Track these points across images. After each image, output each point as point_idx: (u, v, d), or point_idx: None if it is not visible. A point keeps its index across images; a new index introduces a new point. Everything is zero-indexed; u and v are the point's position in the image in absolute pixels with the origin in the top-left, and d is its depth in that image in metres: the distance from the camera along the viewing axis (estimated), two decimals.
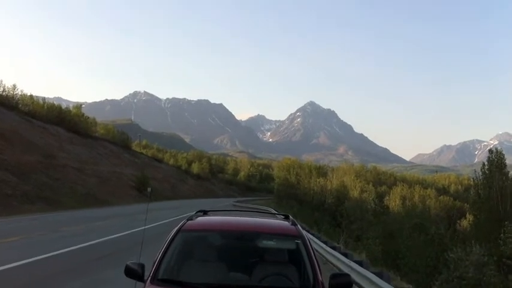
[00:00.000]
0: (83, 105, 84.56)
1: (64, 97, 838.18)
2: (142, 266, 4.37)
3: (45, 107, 61.50)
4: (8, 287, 8.77)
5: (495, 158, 42.34)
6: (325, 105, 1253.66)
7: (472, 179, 49.93)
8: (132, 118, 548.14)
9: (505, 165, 43.02)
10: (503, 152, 44.43)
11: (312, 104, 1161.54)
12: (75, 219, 24.04)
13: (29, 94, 60.42)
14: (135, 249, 6.65)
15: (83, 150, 58.05)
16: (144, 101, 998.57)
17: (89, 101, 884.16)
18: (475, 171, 45.22)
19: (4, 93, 52.80)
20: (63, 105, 75.41)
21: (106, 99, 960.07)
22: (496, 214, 38.65)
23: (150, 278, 4.23)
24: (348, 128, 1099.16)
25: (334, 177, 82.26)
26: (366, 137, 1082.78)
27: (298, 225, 5.11)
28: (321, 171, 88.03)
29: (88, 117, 74.79)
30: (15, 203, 29.12)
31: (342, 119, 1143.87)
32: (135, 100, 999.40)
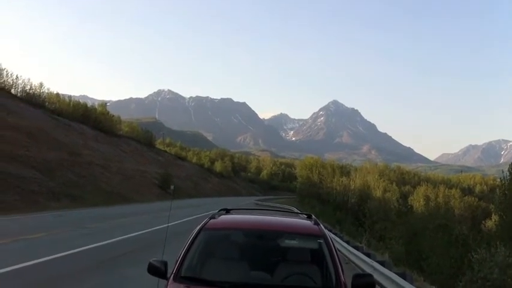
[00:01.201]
0: (108, 104, 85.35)
1: (90, 95, 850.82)
2: (165, 264, 4.40)
3: (71, 105, 62.35)
4: (31, 282, 8.90)
5: None
6: (348, 104, 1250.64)
7: (498, 179, 49.12)
8: (156, 116, 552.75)
9: None
10: None
11: (335, 103, 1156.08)
12: (99, 216, 24.33)
13: (55, 92, 61.40)
14: (158, 247, 6.70)
15: (107, 148, 58.72)
16: (168, 100, 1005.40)
17: (114, 99, 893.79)
18: (502, 171, 44.52)
19: (31, 91, 53.67)
20: (89, 103, 76.39)
21: (131, 97, 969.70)
22: None
23: (172, 275, 4.26)
24: (371, 127, 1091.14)
25: (357, 176, 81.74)
26: (390, 136, 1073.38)
27: (321, 225, 5.10)
28: (344, 171, 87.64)
29: (113, 115, 75.62)
30: (41, 200, 29.60)
31: (365, 118, 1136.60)
32: (159, 98, 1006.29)
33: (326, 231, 4.99)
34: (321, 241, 4.76)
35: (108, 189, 42.63)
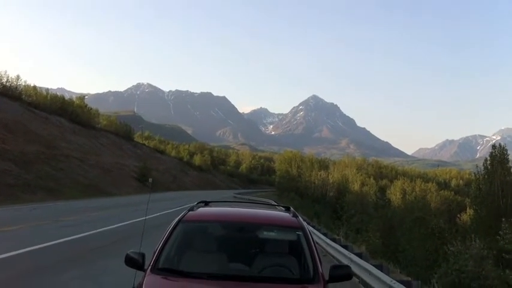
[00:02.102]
0: (86, 97, 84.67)
1: (67, 88, 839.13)
2: (142, 256, 4.39)
3: (49, 98, 61.59)
4: (7, 275, 8.81)
5: (498, 153, 42.35)
6: (328, 99, 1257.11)
7: (473, 174, 49.96)
8: (135, 110, 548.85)
9: (508, 161, 43.04)
10: (506, 148, 44.40)
11: (314, 97, 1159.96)
12: (76, 209, 24.12)
13: (32, 85, 60.53)
14: (136, 239, 6.67)
15: (85, 141, 58.15)
16: (147, 93, 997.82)
17: (92, 92, 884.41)
18: (477, 166, 45.27)
19: (8, 84, 52.80)
20: (67, 96, 75.55)
21: (109, 90, 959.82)
22: (496, 209, 38.70)
23: (150, 267, 4.26)
24: (350, 121, 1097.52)
25: (336, 170, 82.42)
26: (368, 131, 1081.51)
27: (299, 217, 5.13)
28: (323, 165, 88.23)
29: (91, 109, 74.92)
30: (18, 193, 29.24)
31: (344, 112, 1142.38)
32: (138, 92, 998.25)
33: (304, 223, 5.02)
34: (299, 233, 4.79)
35: (86, 182, 42.26)
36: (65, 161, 43.62)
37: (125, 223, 18.50)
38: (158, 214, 22.93)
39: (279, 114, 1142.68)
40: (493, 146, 44.00)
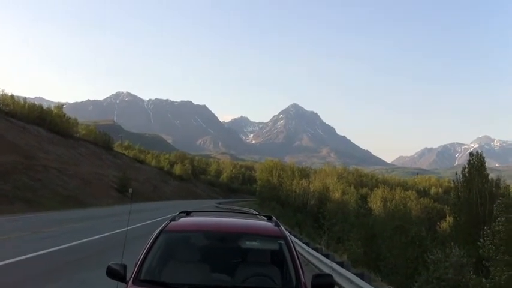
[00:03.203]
0: (65, 106, 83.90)
1: (45, 97, 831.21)
2: (124, 267, 4.34)
3: (26, 107, 60.93)
4: None
5: (475, 161, 42.81)
6: (308, 107, 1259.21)
7: (452, 182, 50.46)
8: (115, 119, 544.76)
9: (485, 168, 43.52)
10: (483, 155, 44.93)
11: (295, 106, 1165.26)
12: (55, 221, 23.79)
13: (9, 94, 59.84)
14: (116, 251, 6.61)
15: (64, 151, 57.54)
16: (126, 102, 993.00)
17: (71, 101, 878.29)
18: (456, 174, 45.69)
19: None
20: (45, 106, 74.67)
21: (88, 99, 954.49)
22: (475, 216, 39.07)
23: (132, 278, 4.20)
24: (330, 130, 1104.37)
25: (316, 179, 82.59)
26: (349, 140, 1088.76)
27: (281, 226, 5.12)
28: (303, 173, 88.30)
29: (69, 118, 74.18)
30: None
31: (324, 121, 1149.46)
32: (118, 101, 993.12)
33: (286, 233, 5.02)
34: (282, 242, 4.78)
35: (65, 193, 41.75)
36: (43, 172, 43.06)
37: (105, 234, 18.30)
38: (139, 225, 22.76)
39: (259, 123, 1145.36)
40: (471, 154, 44.49)
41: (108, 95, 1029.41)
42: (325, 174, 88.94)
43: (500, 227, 26.17)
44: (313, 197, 75.77)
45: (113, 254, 10.58)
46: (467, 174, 42.67)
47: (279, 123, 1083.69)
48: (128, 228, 13.76)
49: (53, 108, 71.79)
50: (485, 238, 26.95)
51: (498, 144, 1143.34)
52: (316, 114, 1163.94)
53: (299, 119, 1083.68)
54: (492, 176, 45.13)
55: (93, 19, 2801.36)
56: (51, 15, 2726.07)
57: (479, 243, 27.76)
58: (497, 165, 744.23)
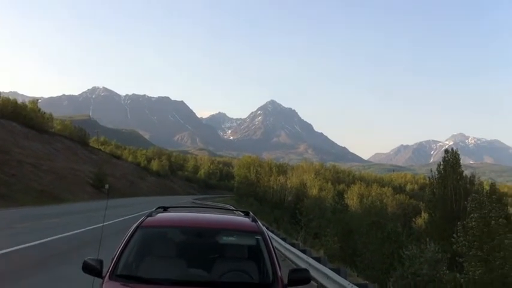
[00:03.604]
0: (40, 100, 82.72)
1: (20, 91, 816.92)
2: (100, 262, 4.32)
3: (0, 102, 60.03)
4: None
5: (450, 158, 43.46)
6: (286, 104, 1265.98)
7: (427, 178, 51.13)
8: (90, 114, 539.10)
9: (460, 165, 44.20)
10: (458, 152, 45.60)
11: (273, 102, 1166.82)
12: (30, 216, 23.51)
13: None
14: (93, 246, 6.56)
15: (39, 146, 56.81)
16: (102, 97, 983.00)
17: (46, 96, 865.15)
18: (431, 171, 46.31)
19: None
20: (19, 100, 73.66)
21: (63, 94, 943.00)
22: (450, 212, 39.70)
23: (108, 274, 4.19)
24: (308, 127, 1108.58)
25: (294, 175, 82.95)
26: (326, 136, 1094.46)
27: (259, 222, 5.14)
28: (281, 170, 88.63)
29: (44, 113, 73.27)
30: None
31: (302, 118, 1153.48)
32: (94, 96, 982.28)
33: (264, 228, 5.04)
34: (259, 237, 4.80)
35: (40, 188, 41.22)
36: (17, 167, 42.46)
37: (81, 230, 18.12)
38: (116, 220, 22.58)
39: (237, 119, 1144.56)
40: (446, 151, 45.16)
41: (84, 89, 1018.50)
42: (302, 171, 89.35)
43: (474, 223, 26.61)
44: (290, 193, 76.11)
45: (89, 249, 10.49)
46: (442, 171, 43.33)
47: (256, 119, 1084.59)
48: (104, 223, 13.65)
49: (27, 103, 70.86)
50: (459, 234, 27.37)
51: (473, 141, 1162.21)
52: (294, 110, 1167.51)
53: (277, 116, 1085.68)
54: (466, 172, 45.93)
55: (69, 12, 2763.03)
56: (24, 7, 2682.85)
57: (452, 239, 28.19)
58: (471, 162, 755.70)
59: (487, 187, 46.04)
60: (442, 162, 44.06)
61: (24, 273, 9.81)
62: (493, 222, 25.96)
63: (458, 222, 29.59)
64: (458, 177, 42.64)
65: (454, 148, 47.72)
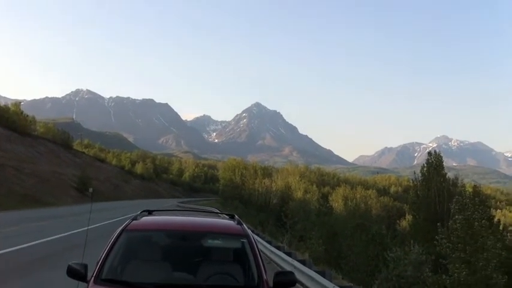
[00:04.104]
0: (22, 103, 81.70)
1: (2, 94, 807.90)
2: (85, 266, 4.30)
3: None
4: None
5: (433, 160, 43.77)
6: (270, 106, 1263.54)
7: (411, 180, 51.46)
8: (74, 117, 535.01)
9: (443, 167, 44.54)
10: (441, 155, 45.96)
11: (257, 105, 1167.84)
12: (12, 220, 23.23)
13: None
14: (77, 250, 6.52)
15: (21, 149, 56.26)
16: (86, 100, 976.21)
17: (29, 98, 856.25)
18: (415, 173, 46.60)
19: None
20: (2, 103, 73.02)
21: (46, 97, 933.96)
22: (434, 214, 39.95)
23: (93, 278, 4.17)
24: (293, 129, 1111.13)
25: (279, 178, 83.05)
26: (311, 139, 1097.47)
27: (244, 225, 5.15)
28: (266, 172, 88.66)
29: (27, 115, 72.62)
30: None
31: (287, 120, 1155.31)
32: (77, 98, 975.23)
33: (249, 231, 5.05)
34: (244, 240, 4.82)
35: (22, 192, 40.80)
36: None
37: (65, 234, 17.99)
38: (100, 224, 22.44)
39: (222, 122, 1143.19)
40: (429, 153, 45.46)
41: (68, 92, 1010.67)
42: (287, 173, 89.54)
43: (458, 224, 26.81)
44: (275, 196, 76.16)
45: (73, 254, 10.41)
46: (425, 173, 43.61)
47: (241, 122, 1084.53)
48: (89, 227, 13.55)
49: (10, 106, 70.19)
50: (442, 236, 27.57)
51: (456, 143, 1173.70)
52: (279, 113, 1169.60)
53: (262, 118, 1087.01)
54: (450, 175, 46.27)
55: (52, 13, 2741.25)
56: (6, 8, 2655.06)
57: (436, 242, 28.39)
58: (454, 164, 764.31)
59: (470, 189, 46.40)
60: (425, 165, 44.35)
61: (10, 277, 9.74)
62: (476, 223, 26.16)
63: (440, 224, 29.80)
64: (442, 180, 42.93)
65: (438, 150, 48.11)
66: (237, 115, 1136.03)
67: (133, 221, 4.93)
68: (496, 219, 40.89)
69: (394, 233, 48.69)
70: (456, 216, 27.65)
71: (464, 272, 24.00)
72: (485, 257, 24.75)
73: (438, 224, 30.30)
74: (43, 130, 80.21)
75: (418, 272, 24.58)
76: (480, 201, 33.43)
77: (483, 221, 27.49)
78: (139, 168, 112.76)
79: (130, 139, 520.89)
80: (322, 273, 9.89)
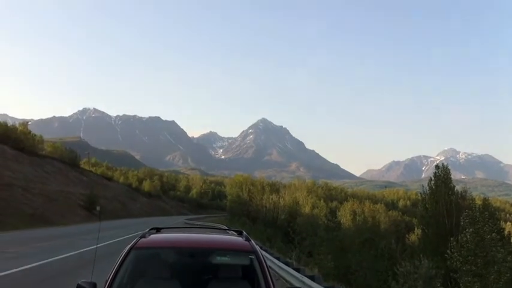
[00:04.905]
0: (30, 122, 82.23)
1: (10, 114, 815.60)
2: (94, 285, 4.29)
3: None
4: None
5: (441, 173, 43.58)
6: (277, 122, 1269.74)
7: (419, 194, 51.24)
8: (81, 135, 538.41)
9: (451, 180, 44.32)
10: (449, 168, 45.78)
11: (264, 121, 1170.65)
12: (21, 240, 23.25)
13: None
14: (87, 269, 6.51)
15: (29, 169, 56.43)
16: (93, 118, 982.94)
17: (36, 118, 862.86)
18: (423, 186, 46.38)
19: None
20: (9, 123, 73.41)
21: (54, 116, 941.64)
22: (443, 228, 39.69)
23: None
24: (299, 144, 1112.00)
25: (286, 193, 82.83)
26: (318, 153, 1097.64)
27: (252, 241, 5.13)
28: (273, 188, 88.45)
29: (35, 135, 72.95)
30: None
31: (293, 135, 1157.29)
32: (84, 117, 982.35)
33: (257, 247, 5.03)
34: (253, 257, 4.79)
35: (30, 212, 40.85)
36: (7, 190, 42.08)
37: (73, 253, 17.97)
38: (109, 242, 22.40)
39: (228, 138, 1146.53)
40: (437, 166, 45.27)
41: (75, 111, 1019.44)
42: (294, 189, 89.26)
43: (468, 237, 26.65)
44: (283, 212, 75.90)
45: (82, 273, 10.40)
46: (433, 187, 43.40)
47: (248, 138, 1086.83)
48: (97, 246, 13.56)
49: (17, 126, 70.56)
50: (452, 250, 27.39)
51: (463, 156, 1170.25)
52: (285, 128, 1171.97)
53: (268, 134, 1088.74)
54: (458, 187, 46.00)
55: (58, 34, 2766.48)
56: (14, 29, 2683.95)
57: (446, 255, 28.20)
58: (463, 177, 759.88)
59: (479, 202, 46.10)
60: (433, 178, 44.16)
61: None
62: (488, 236, 26.01)
63: (452, 238, 29.61)
64: (450, 193, 42.70)
65: (445, 163, 47.92)
66: (244, 131, 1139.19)
67: (142, 239, 4.93)
68: (506, 232, 40.66)
69: (403, 247, 48.34)
70: (467, 230, 27.51)
71: (476, 286, 23.82)
72: (496, 270, 24.57)
73: (450, 237, 30.14)
74: (50, 149, 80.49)
75: (428, 286, 24.41)
76: (490, 214, 33.25)
77: (493, 233, 27.33)
78: (146, 185, 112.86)
79: (137, 157, 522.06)
80: None
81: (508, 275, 24.47)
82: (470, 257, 25.94)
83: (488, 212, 33.42)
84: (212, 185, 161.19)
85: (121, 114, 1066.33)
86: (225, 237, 5.69)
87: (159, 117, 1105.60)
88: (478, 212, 29.03)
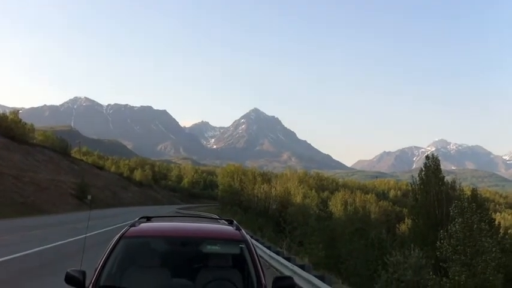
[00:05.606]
0: (20, 111, 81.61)
1: (1, 102, 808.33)
2: (83, 273, 4.27)
3: None
4: None
5: (431, 164, 43.77)
6: (269, 112, 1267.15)
7: (410, 185, 51.47)
8: (72, 124, 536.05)
9: (441, 171, 44.52)
10: (440, 158, 45.97)
11: (256, 111, 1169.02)
12: (11, 228, 23.18)
13: None
14: (76, 257, 6.50)
15: (20, 157, 56.18)
16: (84, 107, 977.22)
17: (27, 106, 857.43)
18: (413, 177, 46.60)
19: None
20: (0, 111, 72.84)
21: (45, 104, 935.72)
22: (432, 218, 39.96)
23: (91, 285, 4.15)
24: (291, 134, 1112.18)
25: (278, 183, 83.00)
26: (309, 144, 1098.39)
27: (242, 230, 5.13)
28: (265, 178, 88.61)
29: (25, 123, 72.57)
30: None
31: (285, 126, 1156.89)
32: (75, 106, 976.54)
33: (247, 236, 5.03)
34: (243, 246, 4.79)
35: (21, 200, 40.72)
36: None
37: (63, 241, 17.95)
38: (99, 231, 22.41)
39: (220, 128, 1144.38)
40: (427, 157, 45.46)
41: (66, 100, 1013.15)
42: (286, 179, 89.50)
43: (457, 227, 26.84)
44: (274, 201, 76.11)
45: (71, 261, 10.38)
46: (424, 177, 43.60)
47: (240, 127, 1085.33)
48: (87, 234, 13.53)
49: (8, 114, 70.12)
50: (442, 240, 27.58)
51: (454, 147, 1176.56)
52: (277, 119, 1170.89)
53: (260, 124, 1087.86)
54: (448, 178, 46.26)
55: (50, 20, 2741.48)
56: (3, 14, 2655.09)
57: (436, 245, 28.41)
58: (453, 167, 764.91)
59: (468, 193, 46.40)
60: (423, 168, 44.36)
61: (9, 285, 9.71)
62: (475, 226, 26.21)
63: (442, 228, 29.80)
64: (440, 183, 42.92)
65: (436, 154, 48.09)
66: (235, 121, 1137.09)
67: (132, 228, 4.90)
68: (496, 223, 41.00)
69: (394, 237, 48.64)
70: (456, 220, 27.69)
71: (464, 275, 24.02)
72: (483, 259, 24.79)
73: (440, 228, 30.36)
74: (41, 138, 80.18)
75: (418, 275, 24.60)
76: (478, 205, 33.50)
77: (482, 223, 27.55)
78: (137, 175, 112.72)
79: (129, 146, 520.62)
80: (322, 278, 9.88)
81: (494, 264, 24.71)
82: (459, 247, 26.13)
83: (477, 203, 33.64)
84: (204, 174, 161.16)
85: (112, 103, 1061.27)
86: (215, 226, 5.68)
87: (150, 106, 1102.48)
88: (467, 203, 29.19)
